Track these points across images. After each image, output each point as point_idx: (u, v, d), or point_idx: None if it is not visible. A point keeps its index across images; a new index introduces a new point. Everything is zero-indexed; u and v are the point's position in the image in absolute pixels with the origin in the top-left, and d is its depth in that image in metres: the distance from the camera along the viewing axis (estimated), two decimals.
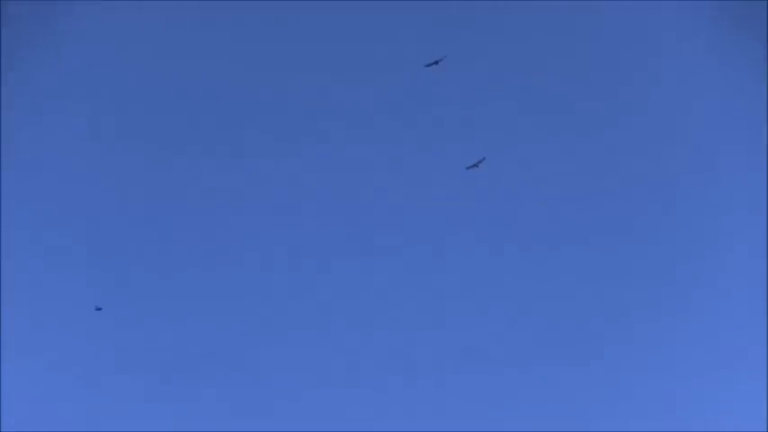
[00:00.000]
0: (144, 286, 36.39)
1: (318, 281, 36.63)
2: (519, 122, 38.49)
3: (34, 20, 35.83)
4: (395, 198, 37.70)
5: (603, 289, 36.66)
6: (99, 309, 32.10)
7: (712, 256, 36.20)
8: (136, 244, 36.89)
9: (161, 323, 35.69)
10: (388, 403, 34.65)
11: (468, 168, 32.34)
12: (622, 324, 35.88)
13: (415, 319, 36.16)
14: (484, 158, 32.29)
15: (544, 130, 38.49)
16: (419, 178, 37.77)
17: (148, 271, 36.68)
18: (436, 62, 32.44)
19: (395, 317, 36.13)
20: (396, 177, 37.79)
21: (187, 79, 38.84)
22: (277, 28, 39.33)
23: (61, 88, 37.36)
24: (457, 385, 35.05)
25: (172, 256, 36.98)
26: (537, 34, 39.04)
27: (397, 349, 35.66)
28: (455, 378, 35.15)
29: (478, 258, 37.07)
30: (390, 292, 36.37)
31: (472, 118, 38.19)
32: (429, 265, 36.93)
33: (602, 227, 37.56)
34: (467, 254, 37.15)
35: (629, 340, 35.54)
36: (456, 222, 37.22)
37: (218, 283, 36.66)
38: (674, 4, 37.26)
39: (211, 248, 37.13)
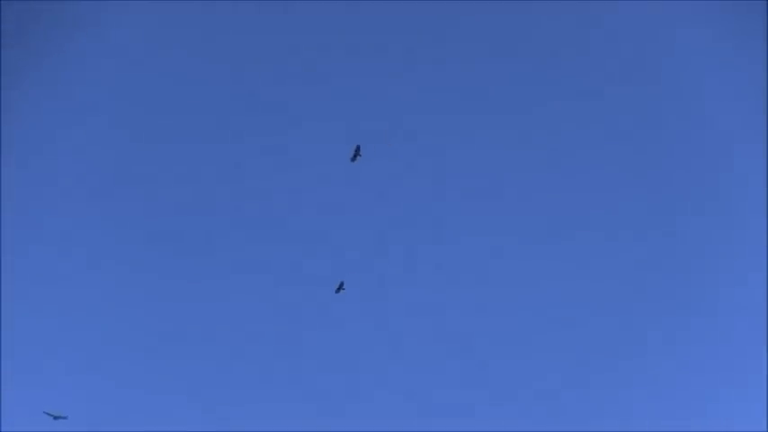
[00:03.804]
0: (144, 287, 36.51)
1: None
2: (529, 120, 38.69)
3: (34, 19, 35.84)
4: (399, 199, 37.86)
5: (605, 292, 36.76)
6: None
7: (712, 257, 36.24)
8: (135, 244, 36.99)
9: (162, 323, 35.82)
10: (385, 401, 34.80)
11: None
12: (623, 326, 35.92)
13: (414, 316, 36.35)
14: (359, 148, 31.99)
15: (547, 133, 38.67)
16: (421, 182, 38.00)
17: (149, 271, 36.81)
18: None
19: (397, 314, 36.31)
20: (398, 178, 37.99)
21: (192, 79, 38.99)
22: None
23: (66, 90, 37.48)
24: (456, 383, 35.21)
25: (171, 255, 37.08)
26: (539, 33, 39.21)
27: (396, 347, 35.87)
28: (455, 377, 35.31)
29: (487, 258, 37.27)
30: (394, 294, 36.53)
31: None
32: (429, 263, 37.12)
33: (605, 229, 37.71)
34: (474, 250, 37.37)
35: (630, 342, 35.58)
36: (463, 216, 37.46)
37: (219, 285, 36.86)
38: (673, 4, 37.23)
39: (210, 250, 37.30)
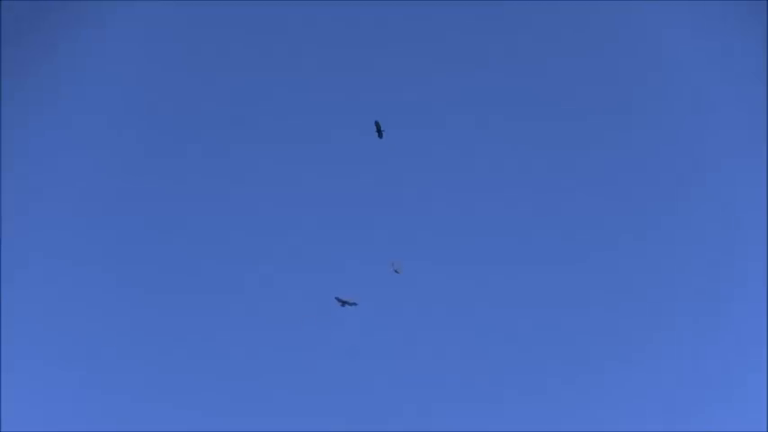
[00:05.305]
0: (146, 285, 36.50)
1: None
2: (524, 129, 38.76)
3: (34, 19, 35.84)
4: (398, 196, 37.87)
5: (604, 291, 36.78)
6: None
7: (712, 257, 36.26)
8: (138, 243, 37.03)
9: (164, 321, 35.80)
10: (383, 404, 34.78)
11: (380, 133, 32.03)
12: (622, 326, 35.95)
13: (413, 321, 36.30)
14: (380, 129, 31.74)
15: (550, 137, 38.72)
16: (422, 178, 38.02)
17: (151, 269, 36.81)
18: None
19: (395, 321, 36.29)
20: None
21: (195, 78, 39.05)
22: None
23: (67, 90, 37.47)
24: (455, 383, 35.19)
25: (174, 254, 37.12)
26: (537, 35, 39.27)
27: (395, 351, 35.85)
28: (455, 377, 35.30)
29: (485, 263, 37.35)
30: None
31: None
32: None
33: (604, 228, 37.72)
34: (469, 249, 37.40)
35: (629, 342, 35.59)
36: (460, 214, 37.51)
37: (220, 281, 36.82)
38: (672, 4, 37.23)
39: (210, 248, 37.32)
